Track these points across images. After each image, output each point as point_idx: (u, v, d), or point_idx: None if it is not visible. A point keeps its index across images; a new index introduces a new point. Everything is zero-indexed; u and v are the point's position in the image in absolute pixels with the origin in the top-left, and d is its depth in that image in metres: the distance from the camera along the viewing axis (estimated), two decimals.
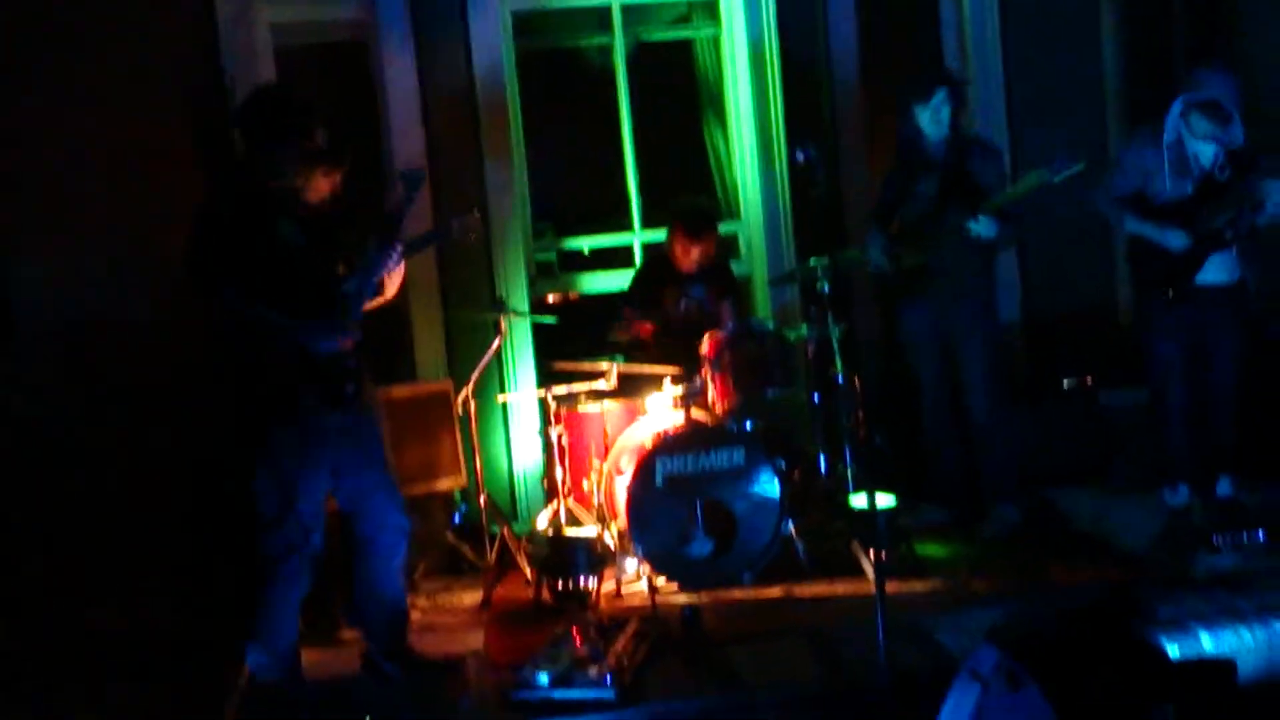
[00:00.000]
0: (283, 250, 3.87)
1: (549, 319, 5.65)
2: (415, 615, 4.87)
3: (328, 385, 3.87)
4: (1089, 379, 5.96)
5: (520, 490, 6.17)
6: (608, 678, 3.84)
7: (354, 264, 4.05)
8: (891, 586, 4.24)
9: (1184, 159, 4.87)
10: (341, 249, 4.08)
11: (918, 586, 4.72)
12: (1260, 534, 4.60)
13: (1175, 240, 4.86)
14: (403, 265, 4.13)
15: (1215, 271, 4.91)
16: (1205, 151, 4.84)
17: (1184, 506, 5.07)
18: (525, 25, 6.43)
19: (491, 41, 6.15)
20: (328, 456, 3.93)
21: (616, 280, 6.43)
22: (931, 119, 5.17)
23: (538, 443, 6.07)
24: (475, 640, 4.57)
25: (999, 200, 5.00)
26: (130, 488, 5.58)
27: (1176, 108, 4.81)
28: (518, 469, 6.16)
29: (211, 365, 5.24)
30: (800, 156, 4.07)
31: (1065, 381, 6.00)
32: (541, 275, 6.46)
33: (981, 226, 5.00)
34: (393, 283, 4.13)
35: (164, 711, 4.11)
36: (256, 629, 3.99)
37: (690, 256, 5.67)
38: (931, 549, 5.14)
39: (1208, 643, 3.94)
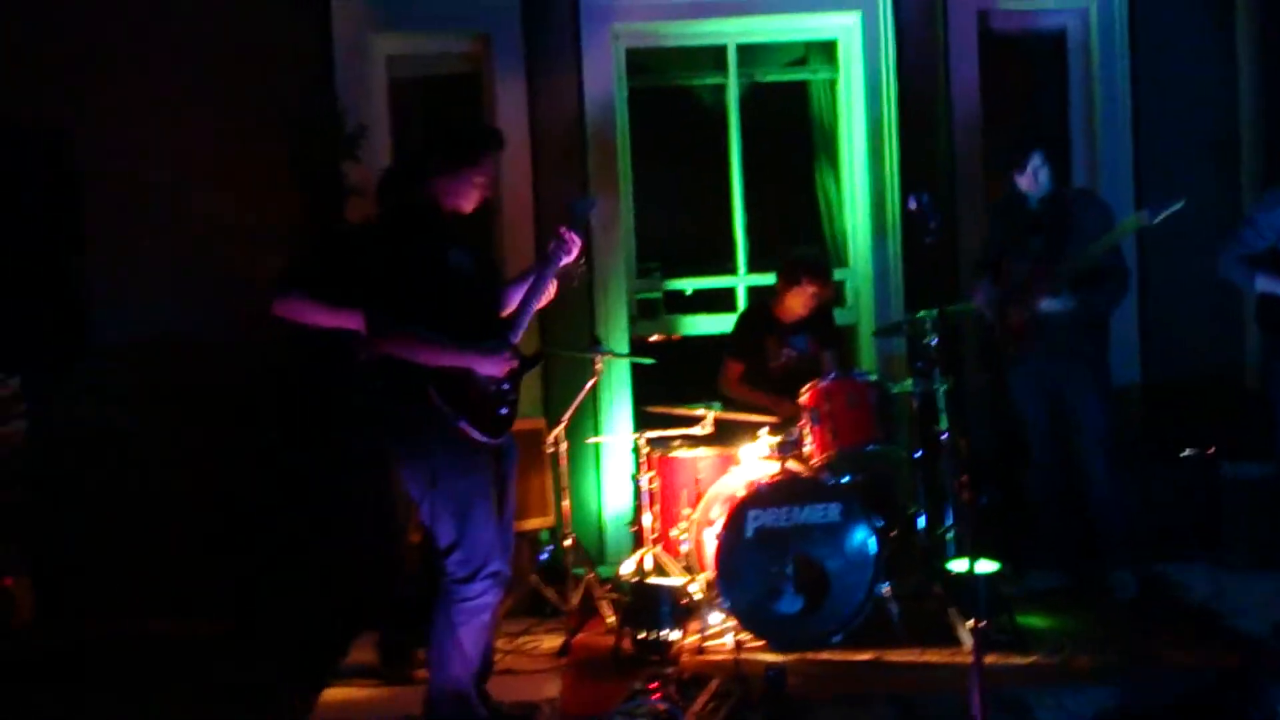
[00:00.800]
0: (452, 276, 3.86)
1: (646, 360, 5.55)
2: (494, 657, 4.79)
3: (484, 410, 3.83)
4: (1210, 448, 5.66)
5: (608, 534, 6.07)
6: None
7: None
8: (989, 658, 4.05)
9: None
10: (499, 276, 4.13)
11: (1017, 660, 4.49)
12: None
13: None
14: (554, 288, 4.22)
15: None
16: None
17: None
18: (639, 62, 6.39)
19: (604, 77, 6.12)
20: (492, 477, 3.89)
21: (718, 323, 6.32)
22: (1030, 182, 5.08)
23: (629, 487, 5.96)
24: (552, 688, 4.47)
25: (1096, 248, 4.85)
26: (195, 499, 5.69)
27: None
28: (607, 512, 6.06)
29: (286, 386, 5.33)
30: (913, 203, 3.92)
31: (1185, 450, 5.71)
32: (643, 315, 6.37)
33: (1049, 304, 4.96)
34: (544, 298, 4.21)
35: None
36: (435, 661, 3.90)
37: (805, 301, 5.57)
38: (1034, 620, 4.90)
39: None
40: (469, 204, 3.98)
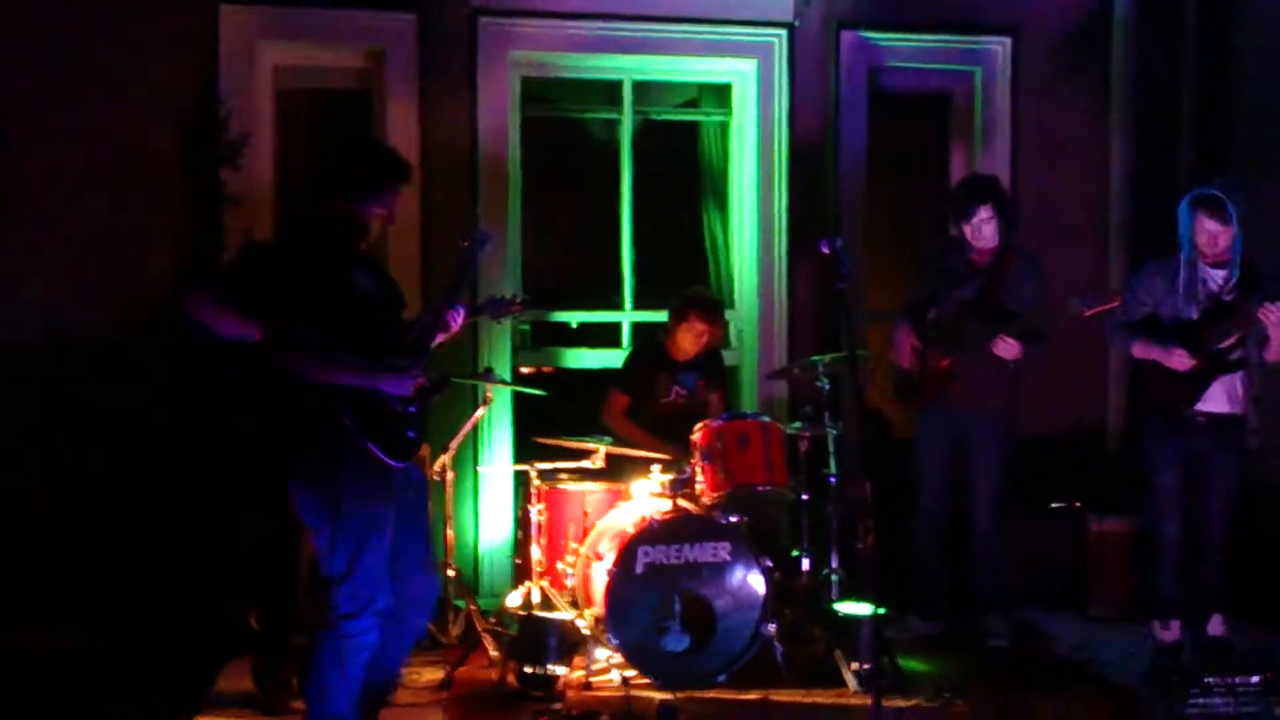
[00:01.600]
0: (357, 298, 3.75)
1: (537, 391, 5.46)
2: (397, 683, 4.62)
3: (391, 433, 3.69)
4: (1077, 502, 5.86)
5: (484, 566, 5.94)
6: None
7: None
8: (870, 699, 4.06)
9: (1193, 280, 4.82)
10: (401, 298, 4.04)
11: (900, 703, 4.52)
12: (1254, 678, 4.46)
13: (1179, 360, 4.78)
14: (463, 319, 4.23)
15: (1217, 401, 4.82)
16: (1215, 275, 4.79)
17: (1175, 643, 4.92)
18: (534, 92, 6.34)
19: (499, 104, 6.06)
20: (392, 508, 3.73)
21: (599, 358, 6.28)
22: (974, 233, 5.15)
23: (508, 519, 5.85)
24: None
25: (1022, 324, 4.97)
26: (60, 509, 5.37)
27: (1184, 212, 4.77)
28: (484, 544, 5.94)
29: (172, 393, 5.08)
30: (826, 247, 3.96)
31: (1053, 504, 5.89)
32: (522, 346, 6.29)
33: (1005, 348, 5.00)
34: (455, 320, 4.17)
35: None
36: (314, 694, 3.70)
37: (695, 339, 5.57)
38: (914, 664, 4.96)
39: None
40: (374, 229, 3.88)
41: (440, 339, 4.16)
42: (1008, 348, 5.04)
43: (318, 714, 3.72)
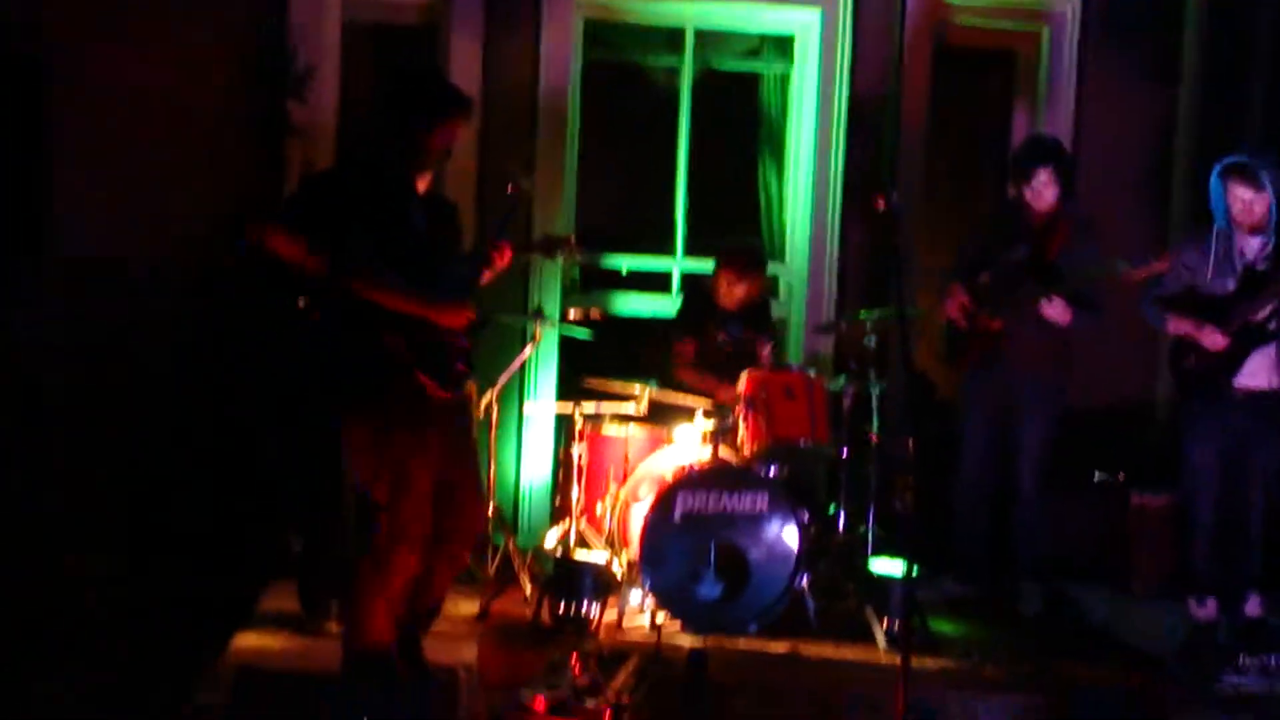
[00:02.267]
0: (412, 236, 3.77)
1: (584, 333, 5.49)
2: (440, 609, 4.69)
3: (442, 362, 3.73)
4: (1121, 475, 5.82)
5: (524, 504, 6.01)
6: (607, 713, 3.66)
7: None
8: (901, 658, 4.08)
9: (1229, 252, 4.75)
10: (455, 237, 4.09)
11: (928, 663, 4.53)
12: None
13: (1212, 338, 4.73)
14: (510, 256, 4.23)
15: (1255, 375, 4.76)
16: (1251, 244, 4.72)
17: (1210, 621, 4.91)
18: (596, 35, 6.31)
19: (561, 46, 6.04)
20: (436, 438, 3.77)
21: (649, 304, 6.29)
22: (1033, 197, 5.08)
23: (549, 458, 5.90)
24: (469, 652, 4.38)
25: (1073, 283, 4.89)
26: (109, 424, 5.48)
27: (1215, 183, 4.70)
28: (524, 482, 6.01)
29: (226, 321, 5.16)
30: (882, 202, 3.93)
31: (1096, 475, 5.85)
32: (572, 289, 6.31)
33: (1054, 309, 4.89)
34: (502, 257, 4.19)
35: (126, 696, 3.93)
36: (354, 618, 3.77)
37: (734, 294, 5.54)
38: (945, 625, 4.98)
39: None
40: (431, 160, 3.88)
41: (488, 276, 4.19)
42: (1055, 309, 4.97)
43: (357, 638, 3.78)
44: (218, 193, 5.64)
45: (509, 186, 4.28)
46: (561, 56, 6.03)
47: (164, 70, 5.68)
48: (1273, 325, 4.67)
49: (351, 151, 4.27)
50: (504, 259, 4.21)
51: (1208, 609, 4.92)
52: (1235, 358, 4.74)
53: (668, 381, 5.39)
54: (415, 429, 3.70)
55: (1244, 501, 4.89)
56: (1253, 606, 4.88)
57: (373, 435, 3.70)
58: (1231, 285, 4.73)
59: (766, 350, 5.55)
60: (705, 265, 5.84)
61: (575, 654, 4.16)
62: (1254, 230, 4.67)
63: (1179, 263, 4.90)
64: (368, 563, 3.75)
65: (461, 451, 3.96)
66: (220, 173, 5.62)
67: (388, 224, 3.72)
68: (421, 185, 3.89)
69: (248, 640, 4.33)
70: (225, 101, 5.67)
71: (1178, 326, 4.86)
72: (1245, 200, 4.62)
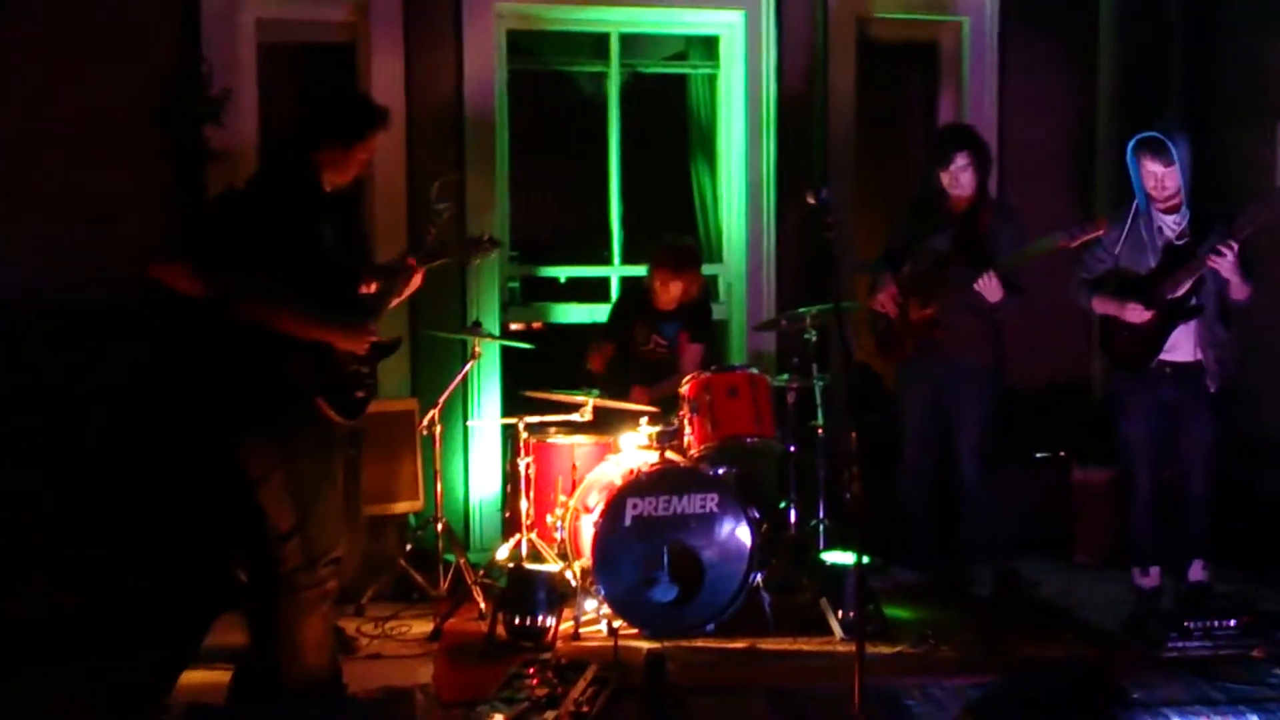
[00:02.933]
0: (318, 251, 3.75)
1: (525, 345, 5.48)
2: (362, 643, 4.68)
3: (341, 389, 3.72)
4: (1062, 452, 5.89)
5: (475, 519, 5.99)
6: None
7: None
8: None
9: (1149, 230, 4.81)
10: (365, 255, 4.12)
11: (884, 650, 4.59)
12: (1232, 622, 4.53)
13: (1135, 313, 4.79)
14: (422, 271, 4.20)
15: (1182, 349, 4.83)
16: (1168, 221, 4.79)
17: (1154, 589, 4.98)
18: (519, 44, 6.30)
19: (484, 57, 6.02)
20: (339, 463, 3.77)
21: (589, 313, 6.29)
22: (951, 182, 5.13)
23: (497, 472, 5.89)
24: (424, 673, 4.37)
25: (1010, 260, 4.95)
26: (55, 471, 5.39)
27: (1130, 159, 4.76)
28: (474, 497, 5.98)
29: (165, 354, 5.09)
30: (813, 197, 3.96)
31: (1038, 454, 5.93)
32: (511, 301, 6.29)
33: (988, 285, 4.93)
34: (411, 285, 4.16)
35: None
36: (291, 651, 3.73)
37: (670, 292, 5.55)
38: (899, 611, 5.02)
39: None
40: (346, 178, 3.88)
41: (405, 293, 4.18)
42: (990, 286, 4.98)
43: (291, 669, 3.73)
44: (141, 225, 5.55)
45: (432, 198, 4.34)
46: (485, 68, 6.01)
47: (73, 105, 5.59)
48: (1193, 301, 4.74)
49: (260, 174, 4.19)
50: (411, 288, 4.19)
51: (1151, 577, 4.98)
52: (1159, 335, 4.81)
53: (611, 390, 5.39)
54: (317, 451, 3.70)
55: (1180, 472, 4.96)
56: (1196, 572, 4.94)
57: (275, 459, 3.66)
58: (1153, 262, 4.80)
59: (692, 353, 5.55)
60: (643, 271, 5.86)
61: (532, 667, 4.16)
62: (1169, 206, 4.75)
63: (1100, 244, 4.95)
64: (284, 594, 3.71)
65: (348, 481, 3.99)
66: (142, 204, 5.54)
67: (293, 245, 3.69)
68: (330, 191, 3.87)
69: (195, 677, 4.28)
70: (140, 132, 5.59)
71: (1102, 306, 4.92)
72: (1156, 175, 4.68)
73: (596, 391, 5.23)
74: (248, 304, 3.63)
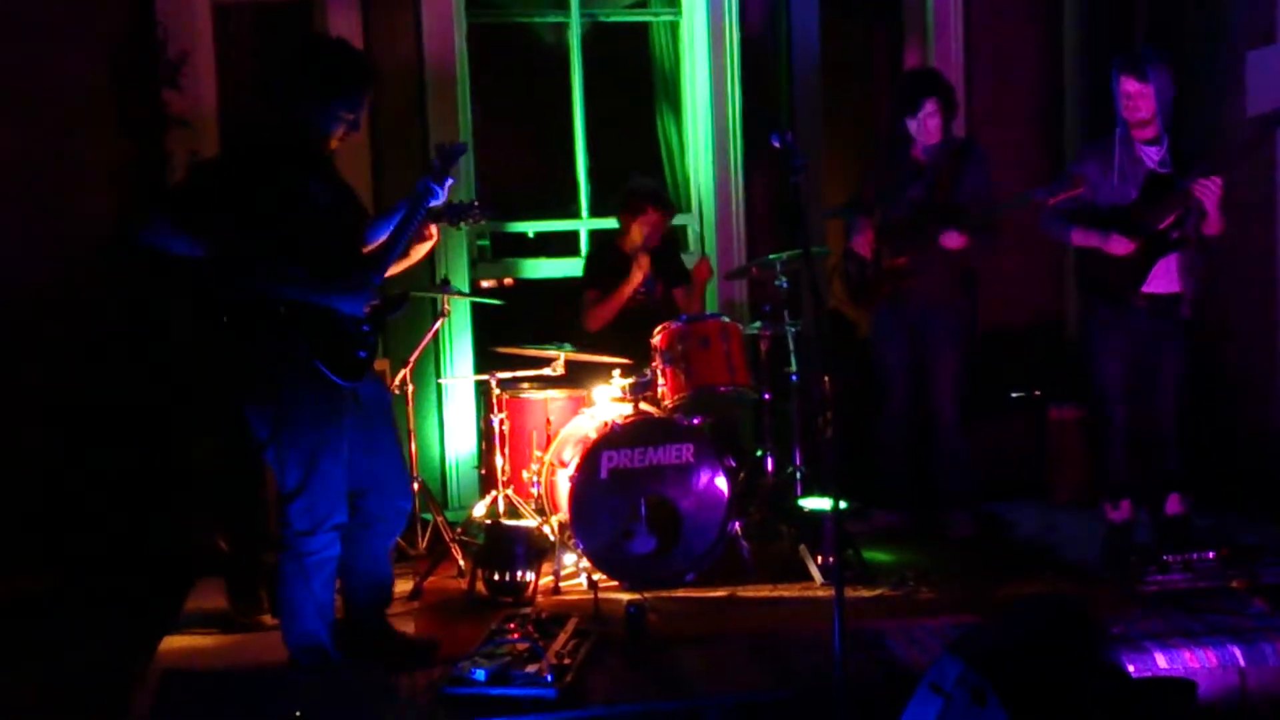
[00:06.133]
0: (313, 210, 3.66)
1: (495, 301, 5.44)
2: (339, 602, 4.64)
3: (342, 351, 3.65)
4: (1037, 392, 5.90)
5: (451, 477, 5.96)
6: (549, 676, 3.64)
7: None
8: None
9: (1130, 159, 4.77)
10: (363, 210, 3.97)
11: (864, 593, 4.59)
12: (1211, 554, 4.54)
13: (1119, 245, 4.75)
14: (435, 231, 4.14)
15: (1158, 281, 4.81)
16: (1149, 152, 4.76)
17: (1125, 522, 4.99)
18: None
19: (442, 12, 5.93)
20: (345, 425, 3.71)
21: (558, 267, 6.24)
22: (919, 129, 5.10)
23: (472, 429, 5.85)
24: (407, 631, 4.34)
25: (983, 216, 4.98)
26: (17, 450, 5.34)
27: (1113, 82, 4.71)
28: (450, 455, 5.95)
29: (122, 325, 5.02)
30: (778, 141, 3.91)
31: (1013, 394, 5.93)
32: (480, 258, 6.24)
33: (952, 238, 4.97)
34: (420, 248, 4.09)
35: (57, 695, 3.83)
36: (284, 614, 3.74)
37: (639, 236, 5.50)
38: (878, 555, 5.03)
39: (1161, 661, 3.89)
40: (334, 137, 3.77)
41: (419, 255, 4.14)
42: (952, 238, 5.02)
43: (290, 632, 3.76)
44: (104, 195, 5.46)
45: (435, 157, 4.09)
46: (444, 23, 5.91)
47: (25, 73, 5.48)
48: (1175, 235, 4.72)
49: (244, 136, 4.09)
50: (422, 251, 4.14)
51: (1121, 510, 4.98)
52: (1142, 267, 4.78)
53: (583, 343, 5.35)
54: (317, 416, 3.65)
55: (1155, 405, 4.96)
56: (1173, 505, 4.96)
57: (274, 425, 3.63)
58: (1134, 193, 4.75)
59: (679, 294, 5.52)
60: (611, 223, 5.81)
61: (513, 622, 4.14)
62: (1147, 136, 4.69)
63: (1080, 172, 4.90)
64: (287, 557, 3.71)
65: (384, 435, 3.93)
66: (102, 174, 5.45)
67: (289, 207, 3.62)
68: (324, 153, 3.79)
69: (176, 642, 4.26)
70: (96, 100, 5.48)
71: (1083, 239, 4.86)
72: (1130, 94, 4.62)
73: (569, 346, 5.19)
74: (238, 273, 3.57)
